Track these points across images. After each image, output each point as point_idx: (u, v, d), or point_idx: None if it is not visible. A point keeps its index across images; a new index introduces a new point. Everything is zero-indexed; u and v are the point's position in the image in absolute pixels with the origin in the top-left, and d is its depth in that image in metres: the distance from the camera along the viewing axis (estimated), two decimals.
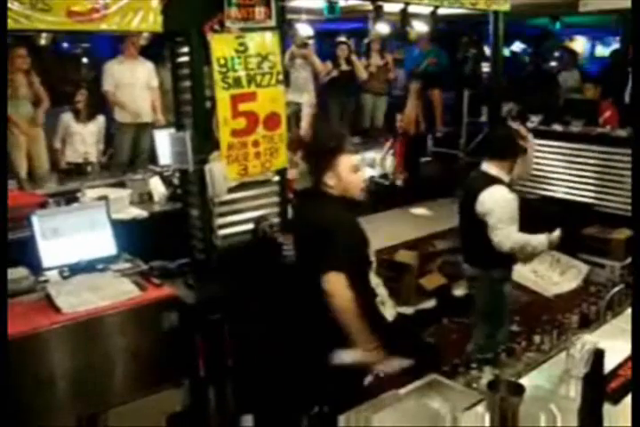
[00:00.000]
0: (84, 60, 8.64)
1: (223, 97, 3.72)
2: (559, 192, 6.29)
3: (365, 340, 2.81)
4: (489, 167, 3.90)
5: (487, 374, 2.54)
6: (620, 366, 2.48)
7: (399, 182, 6.37)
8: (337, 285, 2.78)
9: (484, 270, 3.96)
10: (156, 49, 6.41)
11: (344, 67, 7.92)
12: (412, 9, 5.62)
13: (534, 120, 6.64)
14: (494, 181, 3.83)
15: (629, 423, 1.95)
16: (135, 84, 6.48)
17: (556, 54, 10.42)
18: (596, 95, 7.35)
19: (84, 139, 6.07)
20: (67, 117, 6.07)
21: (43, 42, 5.41)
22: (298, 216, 3.46)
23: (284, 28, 4.14)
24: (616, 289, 3.21)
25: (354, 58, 8.00)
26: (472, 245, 4.02)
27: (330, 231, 2.86)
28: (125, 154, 6.56)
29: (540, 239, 3.70)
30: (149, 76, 6.56)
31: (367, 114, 8.41)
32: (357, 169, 3.03)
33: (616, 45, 10.76)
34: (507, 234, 3.67)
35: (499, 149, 3.98)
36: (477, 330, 4.10)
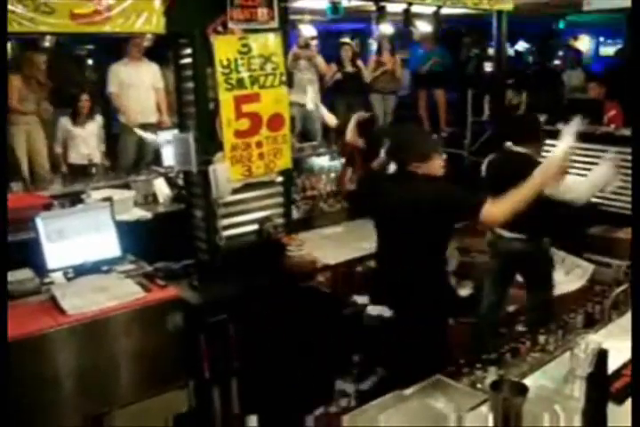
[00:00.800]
0: (89, 61, 8.66)
1: (226, 98, 3.73)
2: None
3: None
4: (522, 148, 4.06)
5: (492, 375, 2.54)
6: (625, 365, 2.47)
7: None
8: (490, 211, 2.86)
9: (533, 241, 4.10)
10: (160, 50, 6.42)
11: (349, 68, 7.93)
12: (414, 9, 5.62)
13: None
14: (534, 159, 3.93)
15: None
16: (140, 85, 6.49)
17: (560, 53, 10.40)
18: (600, 94, 7.32)
19: (86, 140, 6.07)
20: (64, 121, 6.07)
21: (47, 44, 5.45)
22: (385, 197, 3.38)
23: (287, 29, 4.13)
24: (621, 288, 3.20)
25: (359, 62, 8.01)
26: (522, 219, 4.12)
27: (443, 195, 3.04)
28: (130, 155, 6.57)
29: (593, 174, 4.00)
30: (155, 77, 6.58)
31: (376, 114, 8.39)
32: (439, 152, 3.26)
33: (621, 44, 10.76)
34: (574, 187, 3.84)
35: (527, 132, 4.16)
36: (533, 297, 4.24)
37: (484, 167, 4.35)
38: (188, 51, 3.76)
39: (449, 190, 3.07)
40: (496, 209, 2.87)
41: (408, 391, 2.44)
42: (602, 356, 2.02)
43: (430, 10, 5.84)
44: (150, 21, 3.45)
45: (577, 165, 6.15)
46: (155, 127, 6.51)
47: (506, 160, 4.16)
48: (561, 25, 10.20)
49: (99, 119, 6.21)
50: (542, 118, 6.55)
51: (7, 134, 5.55)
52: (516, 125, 4.50)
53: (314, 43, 7.80)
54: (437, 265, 3.17)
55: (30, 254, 3.42)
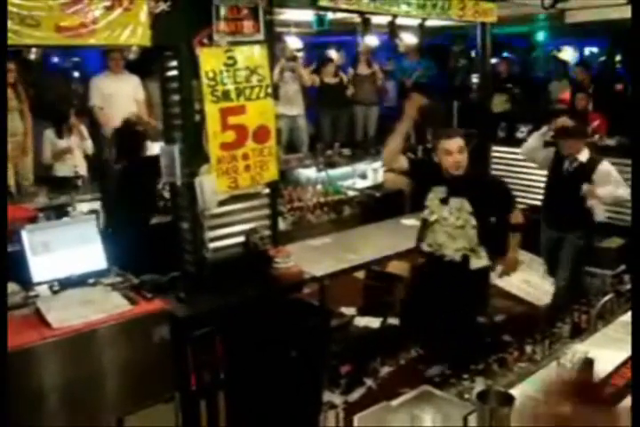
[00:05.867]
0: (76, 74, 8.64)
1: (212, 110, 3.73)
2: None
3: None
4: None
5: (479, 385, 2.54)
6: (612, 374, 2.48)
7: None
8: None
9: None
10: (145, 63, 6.42)
11: (332, 80, 7.96)
12: (399, 21, 5.66)
13: (524, 130, 6.67)
14: None
15: None
16: (121, 97, 6.50)
17: (542, 64, 10.51)
18: (586, 105, 7.38)
19: (72, 153, 6.04)
20: (49, 134, 6.03)
21: (32, 56, 5.42)
22: None
23: (272, 42, 4.15)
24: (607, 298, 3.22)
25: (342, 74, 8.07)
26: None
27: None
28: None
29: None
30: (135, 89, 6.59)
31: (359, 125, 8.44)
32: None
33: (604, 56, 10.88)
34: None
35: None
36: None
37: None
38: (174, 63, 3.76)
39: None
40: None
41: (395, 402, 2.43)
42: (588, 365, 2.03)
43: (415, 22, 5.89)
44: (136, 34, 3.45)
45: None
46: None
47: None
48: (544, 37, 10.31)
49: (83, 131, 6.19)
50: (527, 128, 6.64)
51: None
52: None
53: (300, 55, 7.84)
54: None
55: (15, 267, 3.39)
